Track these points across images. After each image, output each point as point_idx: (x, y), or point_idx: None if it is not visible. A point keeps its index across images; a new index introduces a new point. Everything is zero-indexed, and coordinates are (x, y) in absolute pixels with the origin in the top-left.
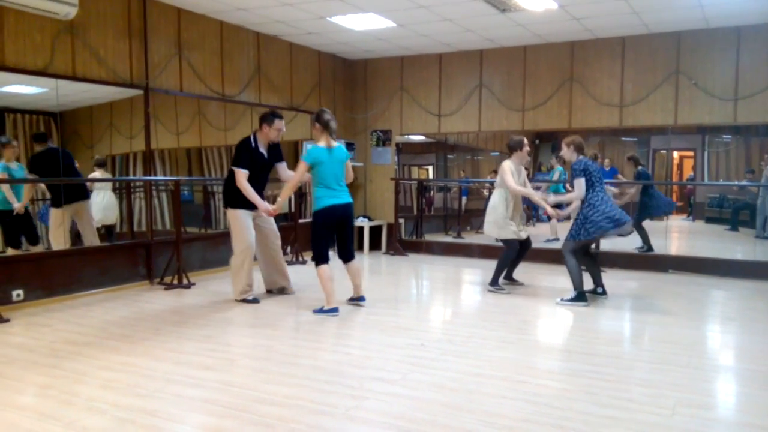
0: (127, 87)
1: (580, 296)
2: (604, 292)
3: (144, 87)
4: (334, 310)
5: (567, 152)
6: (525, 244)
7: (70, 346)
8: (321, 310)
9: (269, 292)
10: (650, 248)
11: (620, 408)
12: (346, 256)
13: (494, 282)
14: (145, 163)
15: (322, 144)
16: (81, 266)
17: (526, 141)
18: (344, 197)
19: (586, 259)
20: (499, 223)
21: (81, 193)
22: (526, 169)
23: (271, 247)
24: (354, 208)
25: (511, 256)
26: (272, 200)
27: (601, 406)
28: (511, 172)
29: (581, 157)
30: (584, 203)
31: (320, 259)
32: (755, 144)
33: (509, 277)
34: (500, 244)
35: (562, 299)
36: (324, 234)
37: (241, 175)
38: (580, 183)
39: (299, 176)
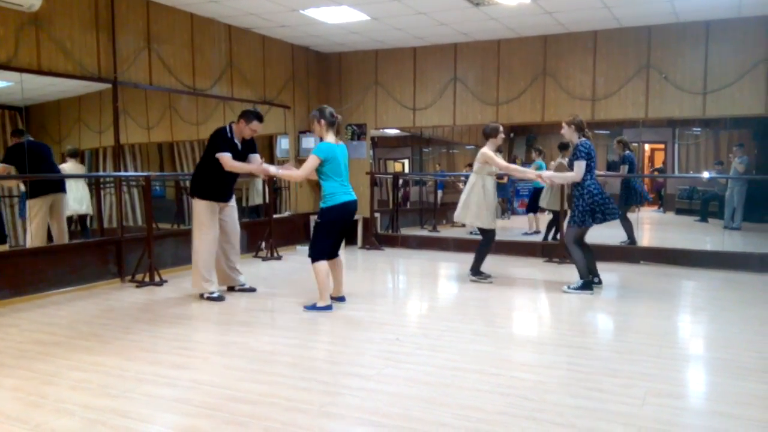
0: (94, 81)
1: (586, 285)
2: (599, 282)
3: (112, 81)
4: (329, 307)
5: (568, 131)
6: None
7: (39, 347)
8: (314, 307)
9: (230, 289)
10: (633, 241)
11: (592, 399)
12: (337, 252)
13: (476, 272)
14: (115, 158)
15: (330, 140)
16: (49, 264)
17: (501, 128)
18: (353, 194)
19: (583, 249)
20: (472, 210)
21: (58, 184)
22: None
23: (231, 242)
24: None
25: (488, 245)
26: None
27: (573, 397)
28: (495, 156)
29: (584, 138)
30: (581, 188)
31: (321, 255)
32: (723, 137)
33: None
34: (476, 237)
35: (568, 287)
36: (335, 230)
37: (227, 158)
38: (582, 165)
39: (310, 170)
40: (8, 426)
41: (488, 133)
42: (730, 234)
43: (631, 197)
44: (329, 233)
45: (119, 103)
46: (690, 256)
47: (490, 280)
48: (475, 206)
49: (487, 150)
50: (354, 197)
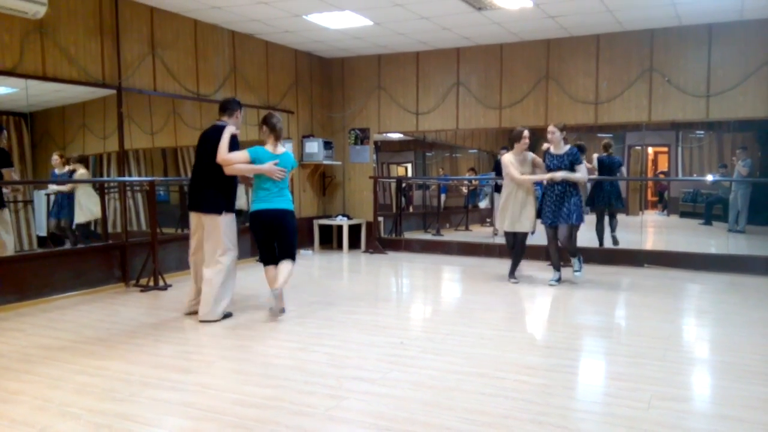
0: (99, 87)
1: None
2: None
3: (117, 86)
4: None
5: (559, 135)
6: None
7: (44, 351)
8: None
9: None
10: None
11: (597, 402)
12: (270, 260)
13: (510, 273)
14: (119, 163)
15: (268, 147)
16: (54, 269)
17: (525, 133)
18: (276, 203)
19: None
20: (507, 218)
21: None
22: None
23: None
24: (291, 213)
25: (515, 249)
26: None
27: (578, 401)
28: (512, 164)
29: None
30: (577, 189)
31: (261, 259)
32: (727, 139)
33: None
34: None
35: (576, 272)
36: (257, 238)
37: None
38: (585, 167)
39: (236, 158)
40: (14, 430)
41: (512, 139)
42: (734, 237)
43: (598, 199)
44: (257, 240)
45: (123, 109)
46: (694, 259)
47: (513, 281)
48: (501, 212)
49: (505, 157)
50: (269, 206)
